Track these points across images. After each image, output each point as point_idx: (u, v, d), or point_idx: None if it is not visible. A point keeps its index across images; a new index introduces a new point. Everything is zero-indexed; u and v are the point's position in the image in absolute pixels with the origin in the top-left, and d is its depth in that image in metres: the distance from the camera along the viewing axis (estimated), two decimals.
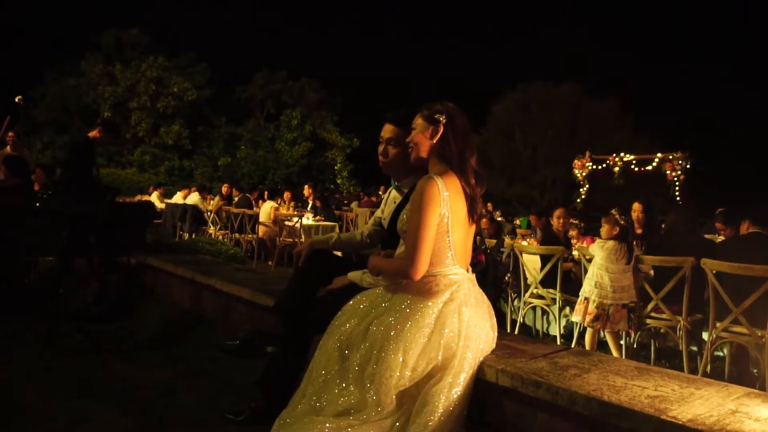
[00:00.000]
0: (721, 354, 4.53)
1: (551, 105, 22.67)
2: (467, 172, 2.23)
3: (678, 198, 12.10)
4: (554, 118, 22.53)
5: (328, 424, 2.08)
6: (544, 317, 5.73)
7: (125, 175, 22.62)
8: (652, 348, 4.74)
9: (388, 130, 2.68)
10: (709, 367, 4.18)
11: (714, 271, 4.05)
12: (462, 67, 38.74)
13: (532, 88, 23.51)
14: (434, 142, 2.26)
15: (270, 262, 9.74)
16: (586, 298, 4.52)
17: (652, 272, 4.78)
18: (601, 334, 4.70)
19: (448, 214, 2.15)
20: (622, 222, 4.27)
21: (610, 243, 4.40)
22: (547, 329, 5.66)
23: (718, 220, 5.71)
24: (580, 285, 5.07)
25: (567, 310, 5.34)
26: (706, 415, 1.67)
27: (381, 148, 2.72)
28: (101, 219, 4.54)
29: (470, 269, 2.32)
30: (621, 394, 1.84)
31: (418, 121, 2.33)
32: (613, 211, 4.33)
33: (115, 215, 5.01)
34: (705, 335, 4.48)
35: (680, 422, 1.63)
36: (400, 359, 2.05)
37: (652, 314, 4.55)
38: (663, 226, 7.35)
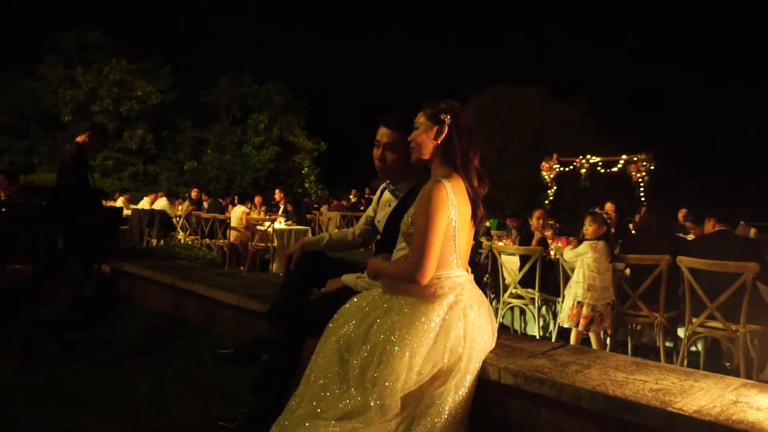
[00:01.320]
0: (693, 349, 4.66)
1: (517, 108, 22.96)
2: (471, 173, 2.21)
3: (643, 198, 12.39)
4: (520, 121, 22.82)
5: (331, 428, 2.07)
6: (522, 317, 5.81)
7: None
8: (629, 345, 4.85)
9: (385, 134, 2.62)
10: (685, 362, 4.30)
11: (689, 268, 4.17)
12: (428, 71, 38.97)
13: (498, 91, 23.77)
14: (438, 142, 2.23)
15: (242, 267, 9.63)
16: (579, 302, 4.54)
17: (628, 271, 4.90)
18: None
19: (455, 218, 2.14)
20: (609, 221, 4.34)
21: (601, 243, 4.47)
22: (525, 329, 5.75)
23: (688, 219, 5.92)
24: (558, 284, 5.16)
25: (544, 309, 5.43)
26: (710, 406, 1.72)
27: (377, 152, 2.66)
28: (88, 225, 4.42)
29: (469, 270, 2.33)
30: (625, 388, 1.88)
31: (421, 120, 2.28)
32: (599, 210, 4.40)
33: (101, 221, 4.89)
34: (680, 331, 4.62)
35: (687, 414, 1.67)
36: (406, 363, 2.04)
37: (629, 311, 4.65)
38: (630, 226, 7.58)
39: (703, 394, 1.83)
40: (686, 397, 1.81)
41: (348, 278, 2.67)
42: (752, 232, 7.59)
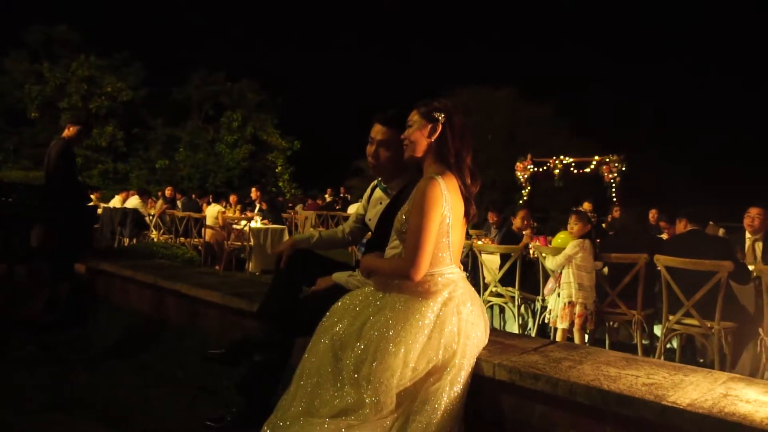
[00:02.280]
0: (669, 346, 4.77)
1: (490, 108, 23.14)
2: (464, 171, 2.23)
3: (614, 199, 12.64)
4: (493, 122, 23.00)
5: (326, 426, 2.06)
6: (501, 315, 5.87)
7: None
8: (607, 343, 4.93)
9: (379, 132, 2.61)
10: (662, 358, 4.40)
11: (666, 267, 4.26)
12: (403, 72, 39.05)
13: (470, 92, 23.91)
14: (432, 140, 2.24)
15: (218, 267, 9.52)
16: (570, 302, 4.57)
17: (606, 269, 4.99)
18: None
19: (449, 215, 2.16)
20: (594, 219, 4.39)
21: (588, 242, 4.53)
22: (504, 327, 5.81)
23: (662, 219, 6.05)
24: (538, 283, 5.23)
25: (523, 308, 5.49)
26: (702, 400, 1.77)
27: (371, 149, 2.65)
28: (67, 224, 4.32)
29: (462, 267, 2.36)
30: (619, 383, 1.92)
31: (415, 118, 2.29)
32: (581, 208, 4.45)
33: (81, 219, 4.79)
34: (656, 328, 4.72)
35: (681, 407, 1.72)
36: (401, 359, 2.05)
37: (608, 309, 4.73)
38: (603, 225, 7.72)
39: (694, 388, 1.88)
40: (678, 390, 1.85)
41: (339, 276, 2.67)
42: (721, 231, 7.81)
